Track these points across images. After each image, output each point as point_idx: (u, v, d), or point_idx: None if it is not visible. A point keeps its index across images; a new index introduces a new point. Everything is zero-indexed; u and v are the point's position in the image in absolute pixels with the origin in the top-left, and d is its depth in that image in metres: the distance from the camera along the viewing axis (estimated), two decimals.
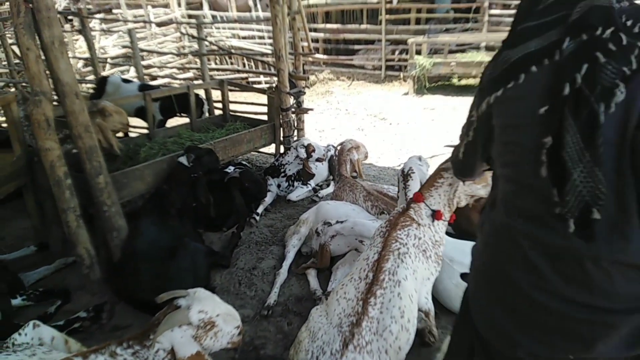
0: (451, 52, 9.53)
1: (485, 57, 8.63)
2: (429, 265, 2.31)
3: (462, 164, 1.36)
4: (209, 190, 3.61)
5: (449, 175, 2.28)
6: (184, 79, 10.37)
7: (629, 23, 0.83)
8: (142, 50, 8.96)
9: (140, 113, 5.15)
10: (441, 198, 2.32)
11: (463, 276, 2.55)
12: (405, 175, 2.97)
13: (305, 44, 6.03)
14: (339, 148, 4.20)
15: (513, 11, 6.82)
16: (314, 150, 4.32)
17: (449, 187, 2.30)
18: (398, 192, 3.13)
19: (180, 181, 3.45)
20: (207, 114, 5.49)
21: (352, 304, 2.08)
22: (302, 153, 4.32)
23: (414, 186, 3.00)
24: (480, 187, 2.25)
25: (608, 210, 0.84)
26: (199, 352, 1.62)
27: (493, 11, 9.50)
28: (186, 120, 5.16)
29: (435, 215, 2.33)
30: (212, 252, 3.33)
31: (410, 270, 2.18)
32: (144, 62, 10.09)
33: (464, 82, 9.90)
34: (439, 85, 9.85)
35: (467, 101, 8.37)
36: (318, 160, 4.43)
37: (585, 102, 0.82)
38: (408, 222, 2.34)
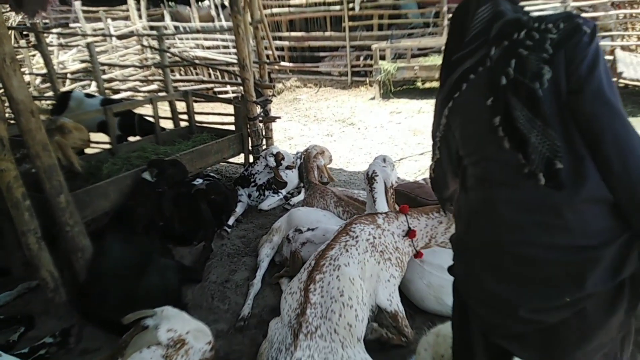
0: (414, 56, 9.73)
1: None
2: (387, 266, 2.40)
3: (434, 180, 1.51)
4: (176, 203, 3.55)
5: (444, 217, 2.44)
6: (148, 92, 10.17)
7: (536, 25, 1.05)
8: (103, 64, 8.74)
9: (104, 128, 5.01)
10: (424, 227, 2.46)
11: (449, 269, 2.60)
12: (370, 179, 3.00)
13: (270, 52, 6.02)
14: (304, 155, 4.19)
15: None
16: (283, 158, 4.31)
17: (438, 225, 2.45)
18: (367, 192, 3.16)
19: (145, 197, 3.37)
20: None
21: (296, 297, 2.19)
22: (272, 162, 4.31)
23: (379, 189, 3.04)
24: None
25: (566, 159, 1.01)
26: None
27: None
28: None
29: (410, 233, 2.44)
30: (183, 267, 3.26)
31: (355, 260, 2.29)
32: (105, 76, 9.85)
33: (427, 85, 10.12)
34: (404, 89, 10.03)
35: (431, 103, 8.53)
36: (288, 167, 4.42)
37: (522, 85, 1.02)
38: (366, 221, 2.47)
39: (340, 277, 2.18)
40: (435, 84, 9.99)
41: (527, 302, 1.09)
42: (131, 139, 5.13)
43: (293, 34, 11.79)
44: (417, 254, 2.52)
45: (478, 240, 1.21)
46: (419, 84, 10.03)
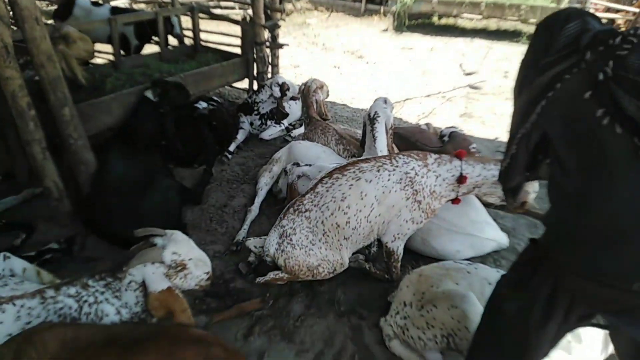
0: None
1: None
2: (414, 207, 2.40)
3: (504, 172, 1.54)
4: (178, 126, 3.56)
5: (495, 168, 2.38)
6: (149, 1, 9.66)
7: (631, 32, 1.14)
8: None
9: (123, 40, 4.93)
10: (477, 175, 2.40)
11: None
12: (371, 119, 3.03)
13: None
14: (304, 89, 4.12)
15: None
16: (288, 89, 4.26)
17: (491, 177, 2.39)
18: (363, 135, 3.20)
19: (147, 115, 3.38)
20: (177, 40, 5.24)
21: (310, 183, 2.63)
22: (277, 92, 4.25)
23: (381, 129, 3.07)
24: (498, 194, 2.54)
25: None
26: (170, 288, 1.72)
27: None
28: (155, 48, 4.93)
29: (461, 178, 2.38)
30: (184, 189, 3.36)
31: (380, 183, 2.36)
32: None
33: (444, 21, 9.69)
34: (419, 23, 9.61)
35: (446, 41, 8.34)
36: (292, 99, 4.38)
37: (626, 78, 1.10)
38: (416, 156, 2.42)
39: (353, 187, 2.37)
40: (453, 21, 9.57)
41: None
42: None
43: None
44: (455, 200, 2.51)
45: (592, 222, 1.27)
46: (435, 19, 9.59)
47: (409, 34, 8.97)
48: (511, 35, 8.51)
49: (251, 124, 4.46)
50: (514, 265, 1.53)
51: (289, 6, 10.92)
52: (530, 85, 1.34)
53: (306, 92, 4.07)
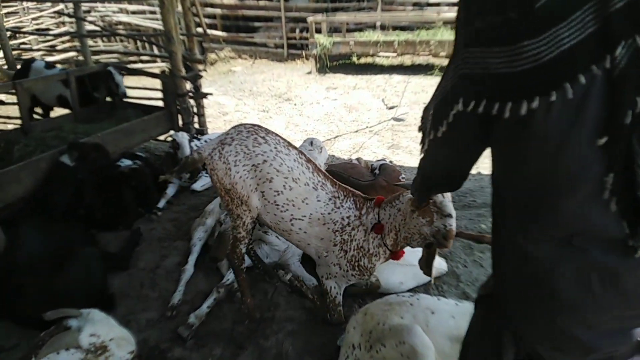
0: (349, 30, 9.72)
1: (381, 36, 8.95)
2: (341, 255, 2.30)
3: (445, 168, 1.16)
4: (99, 188, 3.34)
5: (402, 201, 2.14)
6: (63, 61, 9.31)
7: None
8: (9, 30, 7.84)
9: (64, 101, 4.76)
10: (387, 217, 2.18)
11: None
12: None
13: (200, 23, 5.72)
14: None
15: None
16: (178, 148, 3.97)
17: (397, 213, 2.14)
18: None
19: (63, 182, 3.14)
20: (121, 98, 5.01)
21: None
22: (168, 148, 4.04)
23: None
24: (425, 223, 1.96)
25: None
26: None
27: None
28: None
29: (375, 227, 2.20)
30: (108, 255, 3.11)
31: (321, 210, 2.28)
32: (15, 42, 8.88)
33: (363, 60, 10.20)
34: (340, 63, 10.04)
35: (367, 79, 8.73)
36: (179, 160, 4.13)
37: None
38: (358, 205, 2.30)
39: (307, 187, 2.27)
40: (371, 60, 10.10)
41: (606, 346, 0.94)
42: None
43: (225, 1, 11.27)
44: (394, 254, 2.26)
45: (552, 294, 0.93)
46: (354, 59, 10.08)
47: (332, 74, 9.32)
48: (425, 69, 9.13)
49: (180, 177, 4.29)
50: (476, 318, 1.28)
51: (212, 56, 10.99)
52: (510, 43, 0.76)
53: None
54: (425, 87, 8.16)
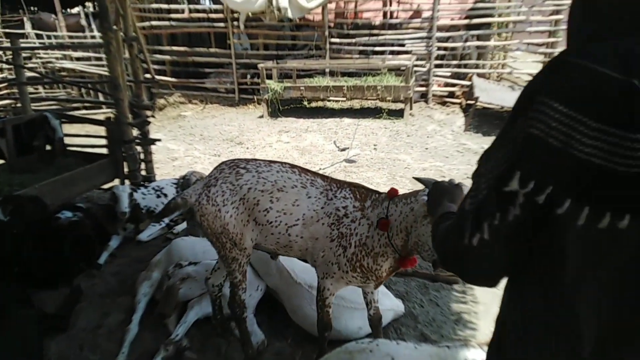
0: (299, 76, 10.00)
1: (331, 81, 9.27)
2: (339, 252, 2.11)
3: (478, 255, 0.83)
4: (35, 243, 3.10)
5: (417, 200, 1.88)
6: (3, 107, 8.85)
7: None
8: None
9: None
10: (397, 213, 1.95)
11: None
12: None
13: (148, 69, 5.66)
14: (182, 183, 3.96)
15: (351, 40, 7.46)
16: (116, 201, 3.76)
17: (409, 212, 1.89)
18: None
19: None
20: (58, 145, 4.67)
21: None
22: (106, 199, 3.89)
23: None
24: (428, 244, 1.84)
25: None
26: None
27: (334, 39, 10.28)
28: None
29: (380, 223, 1.99)
30: (44, 316, 2.85)
31: (314, 207, 2.14)
32: None
33: (313, 104, 10.47)
34: (292, 107, 10.23)
35: (318, 122, 8.92)
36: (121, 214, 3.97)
37: None
38: (357, 195, 2.13)
39: (296, 189, 2.17)
40: (321, 103, 10.38)
41: None
42: None
43: (175, 48, 11.31)
44: (403, 260, 2.04)
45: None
46: (305, 103, 10.31)
47: (284, 118, 9.45)
48: (374, 112, 9.48)
49: (124, 228, 4.07)
50: None
51: (161, 101, 10.85)
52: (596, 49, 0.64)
53: (185, 186, 3.91)
54: (375, 129, 8.45)
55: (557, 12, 9.46)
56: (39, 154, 4.41)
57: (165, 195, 4.41)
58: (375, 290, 2.37)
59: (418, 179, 1.91)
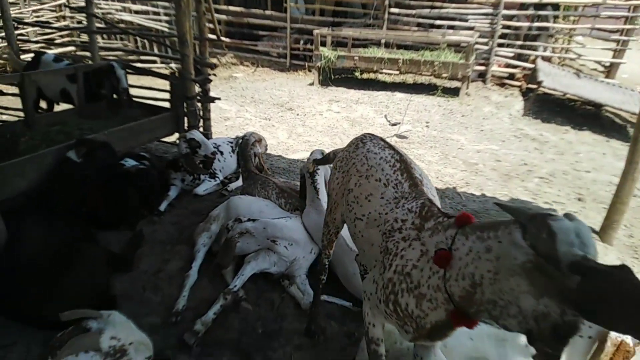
0: (354, 46, 9.80)
1: (386, 53, 9.04)
2: (381, 270, 1.66)
3: None
4: (103, 187, 3.26)
5: (501, 237, 1.25)
6: (63, 54, 9.19)
7: None
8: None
9: (67, 96, 4.76)
10: (465, 249, 1.35)
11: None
12: (311, 173, 3.08)
13: (214, 28, 5.70)
14: (242, 142, 4.02)
15: (410, 11, 7.18)
16: (199, 146, 3.96)
17: (486, 254, 1.27)
18: (302, 188, 3.17)
19: (69, 178, 3.06)
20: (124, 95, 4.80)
21: None
22: (183, 148, 3.93)
23: (321, 181, 3.10)
24: (532, 292, 1.13)
25: None
26: None
27: (393, 9, 9.95)
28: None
29: (437, 255, 1.43)
30: (112, 256, 3.02)
31: (380, 207, 1.83)
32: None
33: (365, 75, 10.27)
34: (343, 77, 10.09)
35: (369, 94, 8.77)
36: (206, 159, 4.07)
37: None
38: (418, 211, 1.66)
39: (379, 182, 1.91)
40: (373, 76, 10.18)
41: None
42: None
43: (232, 8, 11.30)
44: (459, 316, 1.39)
45: None
46: (357, 74, 10.15)
47: (335, 87, 9.35)
48: (427, 89, 9.22)
49: (182, 180, 4.22)
50: None
51: (213, 60, 10.96)
52: None
53: (244, 145, 3.98)
54: (428, 106, 8.23)
55: None
56: (107, 102, 4.58)
57: (222, 152, 4.53)
58: (432, 348, 1.75)
59: (503, 207, 1.32)
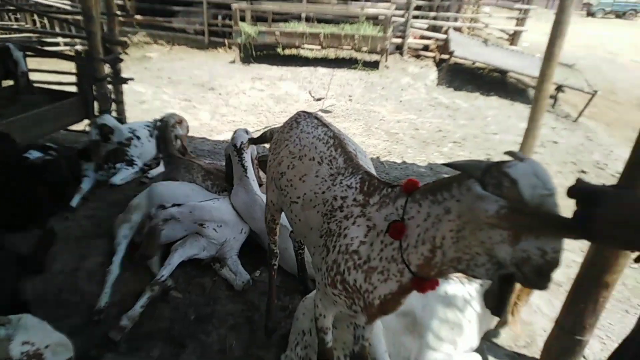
0: (275, 20, 9.61)
1: (307, 28, 8.96)
2: (322, 256, 1.59)
3: None
4: (7, 182, 2.96)
5: (460, 194, 1.21)
6: None
7: None
8: None
9: None
10: (422, 217, 1.31)
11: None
12: (239, 150, 2.99)
13: (120, 2, 5.27)
14: (161, 125, 3.82)
15: None
16: (112, 132, 3.75)
17: (445, 216, 1.24)
18: (229, 167, 3.09)
19: None
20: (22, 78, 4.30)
21: None
22: (94, 135, 3.69)
23: (248, 159, 3.05)
24: (504, 239, 1.10)
25: None
26: None
27: None
28: None
29: (392, 228, 1.37)
30: (20, 258, 2.76)
31: (320, 185, 1.71)
32: None
33: (287, 51, 10.14)
34: (265, 54, 9.88)
35: (292, 70, 8.69)
36: (121, 145, 3.92)
37: None
38: (361, 185, 1.57)
39: (321, 160, 1.79)
40: (296, 51, 10.08)
41: None
42: None
43: None
44: (418, 282, 1.37)
45: None
46: (279, 50, 9.98)
47: (257, 64, 9.14)
48: (349, 63, 9.32)
49: (96, 170, 3.93)
50: None
51: (124, 40, 10.19)
52: None
53: (164, 128, 3.78)
54: (350, 80, 8.35)
55: None
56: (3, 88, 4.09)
57: (138, 137, 4.26)
58: (367, 326, 1.73)
59: (453, 165, 1.23)
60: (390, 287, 1.40)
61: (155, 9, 10.76)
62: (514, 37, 10.34)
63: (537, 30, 11.12)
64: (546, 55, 3.88)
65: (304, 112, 2.11)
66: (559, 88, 7.59)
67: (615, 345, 2.45)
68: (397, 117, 6.62)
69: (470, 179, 1.16)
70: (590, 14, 29.51)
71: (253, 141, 2.90)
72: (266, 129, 2.47)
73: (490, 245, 1.12)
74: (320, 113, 2.12)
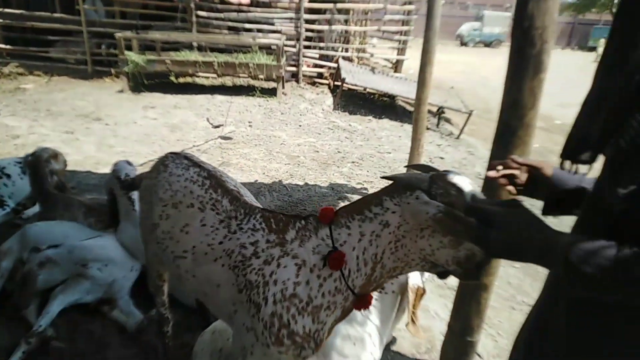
0: (164, 49, 9.34)
1: (199, 56, 8.86)
2: (252, 314, 1.39)
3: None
4: None
5: (397, 205, 1.22)
6: None
7: None
8: None
9: None
10: (363, 241, 1.28)
11: None
12: (123, 182, 2.73)
13: None
14: (32, 161, 3.44)
15: (219, 14, 7.22)
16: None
17: (383, 230, 1.24)
18: (112, 203, 2.87)
19: None
20: None
21: None
22: None
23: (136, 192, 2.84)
24: (447, 244, 1.15)
25: None
26: None
27: (201, 12, 9.79)
28: None
29: (331, 258, 1.30)
30: None
31: (213, 236, 1.54)
32: None
33: (182, 80, 9.88)
34: (158, 82, 9.51)
35: (188, 98, 8.48)
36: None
37: None
38: (270, 225, 1.46)
39: (204, 209, 1.60)
40: (190, 79, 9.88)
41: None
42: None
43: (8, 10, 9.58)
44: (360, 301, 1.35)
45: None
46: (173, 78, 9.69)
47: (149, 93, 8.75)
48: (247, 90, 9.35)
49: None
50: None
51: None
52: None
53: (35, 164, 3.41)
54: (248, 106, 8.37)
55: (409, 2, 10.45)
56: None
57: (8, 175, 3.79)
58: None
59: (394, 178, 1.25)
60: (336, 315, 1.37)
61: (27, 38, 9.85)
62: (397, 65, 11.28)
63: (418, 58, 12.21)
64: (419, 80, 4.33)
65: (172, 153, 1.90)
66: (440, 109, 8.38)
67: (506, 341, 2.70)
68: (297, 141, 6.76)
69: (417, 190, 1.16)
70: (464, 43, 33.92)
71: (124, 188, 2.68)
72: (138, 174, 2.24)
73: (432, 250, 1.16)
74: (191, 154, 1.94)
